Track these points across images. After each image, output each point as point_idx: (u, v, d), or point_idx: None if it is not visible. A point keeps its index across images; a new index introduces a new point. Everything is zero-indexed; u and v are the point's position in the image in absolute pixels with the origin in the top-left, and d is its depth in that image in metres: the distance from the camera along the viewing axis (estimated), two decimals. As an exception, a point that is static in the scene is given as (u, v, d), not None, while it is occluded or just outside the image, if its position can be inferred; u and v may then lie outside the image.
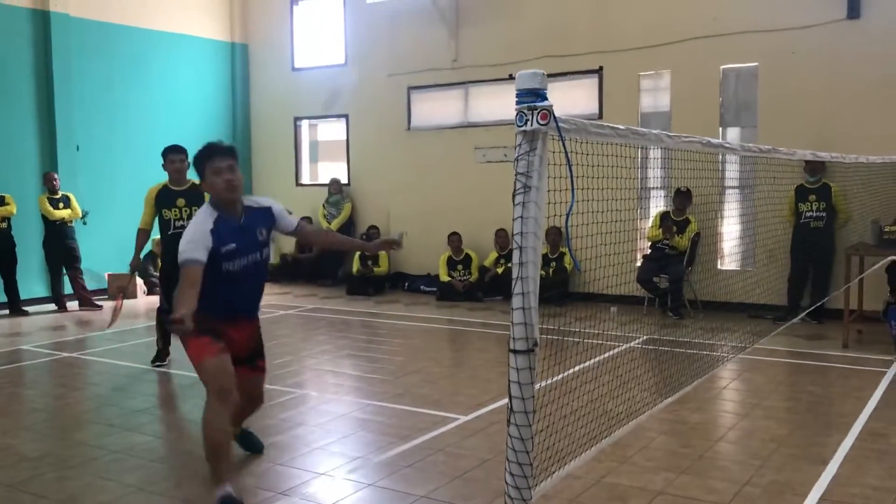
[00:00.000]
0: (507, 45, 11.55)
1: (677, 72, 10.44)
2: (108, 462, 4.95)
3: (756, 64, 9.96)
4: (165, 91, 13.37)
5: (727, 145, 4.22)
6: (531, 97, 2.18)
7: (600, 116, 10.89)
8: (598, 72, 11.02)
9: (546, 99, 2.18)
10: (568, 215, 2.33)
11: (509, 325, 2.34)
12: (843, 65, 9.38)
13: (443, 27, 12.13)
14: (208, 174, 4.17)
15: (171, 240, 6.70)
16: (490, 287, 11.41)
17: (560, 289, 10.67)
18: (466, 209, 12.02)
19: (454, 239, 11.74)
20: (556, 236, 10.67)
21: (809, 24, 9.51)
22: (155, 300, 11.98)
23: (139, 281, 12.33)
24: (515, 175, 2.20)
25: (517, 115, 2.19)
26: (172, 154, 7.09)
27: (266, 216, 4.37)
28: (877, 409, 5.85)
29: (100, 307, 11.23)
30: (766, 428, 5.50)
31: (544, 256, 10.89)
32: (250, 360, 4.49)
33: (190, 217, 6.95)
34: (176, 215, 7.00)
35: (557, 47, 11.14)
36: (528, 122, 2.17)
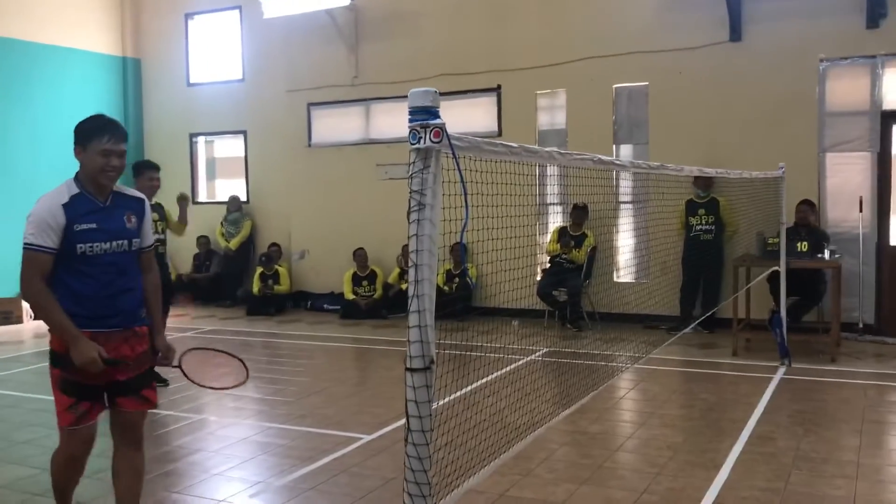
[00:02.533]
0: (407, 62, 11.60)
1: (572, 90, 10.72)
2: (-12, 499, 4.67)
3: (646, 83, 10.34)
4: (51, 107, 12.79)
5: (618, 162, 4.35)
6: (424, 115, 2.18)
7: (500, 134, 11.06)
8: (497, 90, 11.20)
9: (438, 116, 2.20)
10: (462, 232, 2.35)
11: (408, 343, 2.32)
12: (727, 84, 9.84)
13: (342, 44, 12.09)
14: (94, 151, 3.54)
15: None
16: (394, 304, 11.38)
17: (463, 303, 10.75)
18: (369, 226, 11.96)
19: (360, 255, 11.66)
20: (459, 253, 10.75)
21: (695, 45, 9.94)
22: (41, 324, 11.42)
23: (25, 305, 11.72)
24: (410, 193, 2.20)
25: (410, 132, 2.19)
26: None
27: (137, 205, 3.77)
28: (764, 414, 6.12)
29: (-19, 334, 10.61)
30: (662, 436, 5.66)
31: (448, 272, 10.96)
32: (136, 388, 3.70)
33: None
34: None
35: (456, 65, 11.27)
36: (422, 140, 2.17)
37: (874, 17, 9.03)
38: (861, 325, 9.11)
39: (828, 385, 7.09)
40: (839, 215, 9.35)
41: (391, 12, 11.86)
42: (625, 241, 10.58)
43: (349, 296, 11.59)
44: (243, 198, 13.43)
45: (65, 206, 3.48)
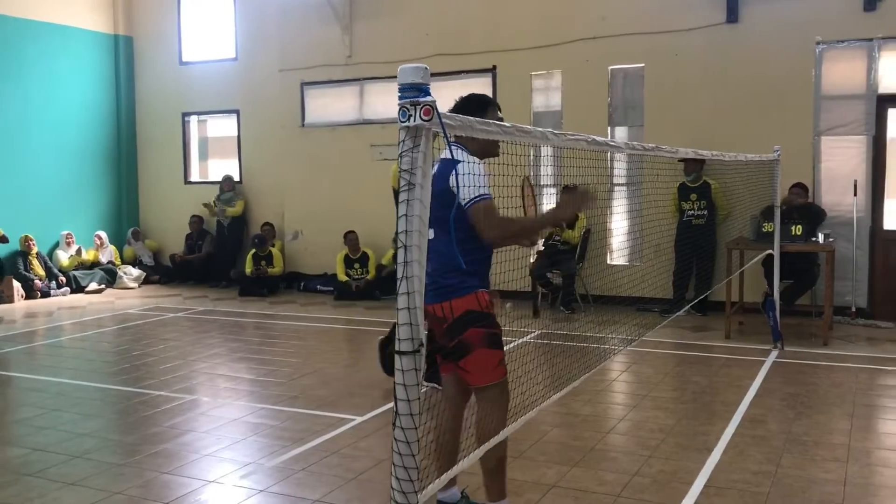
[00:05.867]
0: (402, 42, 11.50)
1: (568, 71, 10.64)
2: (-23, 479, 4.64)
3: (642, 65, 10.26)
4: (43, 85, 12.69)
5: (612, 143, 4.31)
6: (414, 92, 2.13)
7: (494, 115, 10.97)
8: (492, 71, 11.12)
9: (429, 94, 2.15)
10: (453, 212, 2.31)
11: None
12: (723, 66, 9.78)
13: (336, 23, 11.98)
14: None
15: None
16: (387, 284, 11.34)
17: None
18: (363, 207, 11.90)
19: (351, 237, 11.61)
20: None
21: (691, 27, 9.87)
22: (33, 304, 11.38)
23: (16, 285, 11.66)
24: (399, 172, 2.16)
25: (399, 110, 2.15)
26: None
27: None
28: (756, 397, 6.12)
29: (-28, 313, 10.56)
30: (654, 418, 5.66)
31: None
32: None
33: None
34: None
35: (452, 46, 11.17)
36: (411, 118, 2.13)
37: (872, -1, 8.99)
38: (854, 309, 9.13)
39: (820, 368, 7.09)
40: (834, 199, 9.33)
41: (386, -9, 11.75)
42: (618, 224, 10.55)
43: (342, 277, 11.56)
44: (236, 178, 13.36)
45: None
